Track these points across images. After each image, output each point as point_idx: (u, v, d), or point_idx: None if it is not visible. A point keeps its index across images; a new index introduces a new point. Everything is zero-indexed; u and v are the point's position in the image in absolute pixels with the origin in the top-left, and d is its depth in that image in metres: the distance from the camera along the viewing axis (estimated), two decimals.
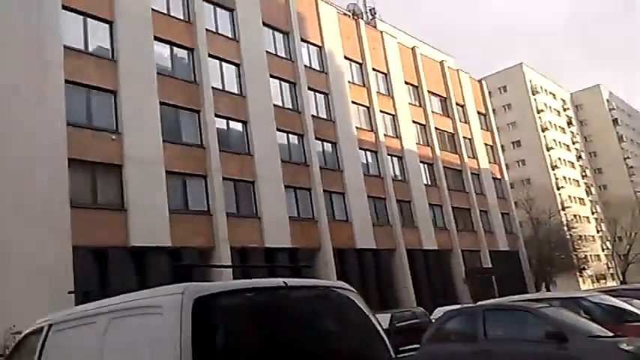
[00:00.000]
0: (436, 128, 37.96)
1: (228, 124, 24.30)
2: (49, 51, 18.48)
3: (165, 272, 19.44)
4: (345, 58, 32.21)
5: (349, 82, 31.98)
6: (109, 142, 19.31)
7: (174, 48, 23.15)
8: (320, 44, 30.72)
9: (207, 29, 24.20)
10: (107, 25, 20.64)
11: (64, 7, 19.27)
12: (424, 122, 37.36)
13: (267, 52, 26.97)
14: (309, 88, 28.82)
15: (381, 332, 3.90)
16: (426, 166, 36.07)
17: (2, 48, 18.21)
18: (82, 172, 18.65)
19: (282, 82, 27.72)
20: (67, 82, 18.46)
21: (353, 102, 31.62)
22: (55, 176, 17.68)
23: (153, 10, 22.16)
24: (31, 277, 18.16)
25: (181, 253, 20.39)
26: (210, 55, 23.93)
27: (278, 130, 26.07)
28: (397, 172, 33.47)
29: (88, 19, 20.15)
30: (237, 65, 25.35)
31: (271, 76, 26.75)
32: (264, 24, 27.34)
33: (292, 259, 24.17)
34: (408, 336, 15.13)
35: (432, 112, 38.36)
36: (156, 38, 21.95)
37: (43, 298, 17.06)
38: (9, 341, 15.83)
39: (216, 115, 23.28)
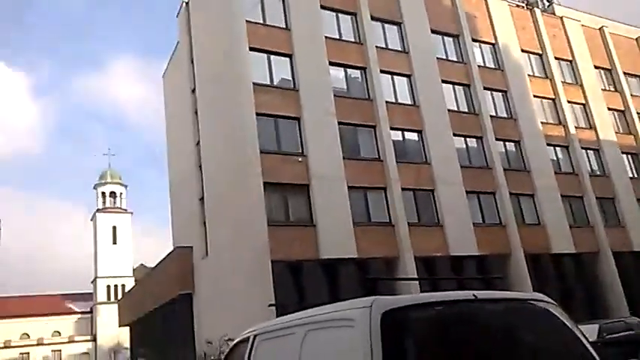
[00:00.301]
0: (639, 114, 33.42)
1: (403, 135, 24.61)
2: (242, 89, 20.95)
3: (355, 282, 20.46)
4: (523, 51, 30.25)
5: (529, 75, 29.95)
6: (296, 164, 21.03)
7: (348, 69, 24.31)
8: (493, 41, 29.40)
9: (377, 46, 24.93)
10: (287, 59, 22.59)
11: (251, 49, 21.66)
12: (622, 108, 33.14)
13: (437, 58, 26.74)
14: (485, 88, 27.73)
15: (588, 346, 3.64)
16: (629, 157, 31.92)
17: (210, 95, 21.08)
18: (275, 193, 20.63)
19: (456, 86, 27.15)
20: (257, 114, 20.67)
21: (535, 96, 29.50)
22: (253, 198, 19.83)
23: (326, 37, 23.62)
24: (240, 290, 20.57)
25: (368, 263, 21.23)
26: (381, 71, 24.59)
27: (455, 134, 25.57)
28: (595, 167, 30.24)
29: (271, 55, 22.32)
30: (408, 76, 25.60)
31: (443, 81, 26.40)
32: (433, 31, 27.16)
33: (480, 267, 23.43)
34: (621, 349, 13.58)
35: (632, 95, 33.84)
36: (330, 63, 23.31)
37: (249, 309, 19.19)
38: (223, 347, 18.11)
39: (392, 128, 23.78)
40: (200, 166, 26.32)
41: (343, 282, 20.46)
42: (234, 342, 5.80)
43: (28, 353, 68.76)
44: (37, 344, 69.90)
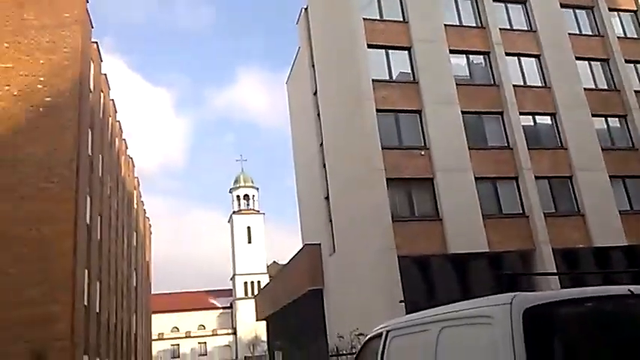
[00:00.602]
0: None
1: (534, 119, 23.06)
2: (362, 86, 21.04)
3: (486, 277, 19.56)
4: None
5: None
6: (419, 158, 20.62)
7: (470, 56, 23.35)
8: (634, 8, 26.43)
9: (500, 28, 23.64)
10: (406, 52, 22.25)
11: (369, 46, 21.65)
12: None
13: (569, 34, 24.65)
14: (627, 61, 24.98)
15: None
16: None
17: (330, 97, 21.45)
18: (399, 189, 20.41)
19: (592, 62, 24.80)
20: (378, 110, 20.62)
21: None
22: (377, 195, 19.81)
23: (445, 25, 22.89)
24: (367, 286, 20.67)
25: (500, 257, 20.19)
26: (507, 54, 23.29)
27: (593, 115, 23.36)
28: None
29: (389, 50, 22.13)
30: (536, 57, 23.94)
31: (577, 58, 24.25)
32: (562, 5, 25.10)
33: (630, 259, 21.11)
34: None
35: None
36: (451, 51, 22.55)
37: (377, 305, 19.20)
38: (354, 341, 18.30)
39: (521, 113, 22.39)
40: (324, 166, 26.92)
41: (474, 277, 19.68)
42: (367, 338, 5.85)
43: (178, 345, 75.65)
44: (186, 337, 76.63)
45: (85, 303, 20.64)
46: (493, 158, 21.53)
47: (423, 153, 20.69)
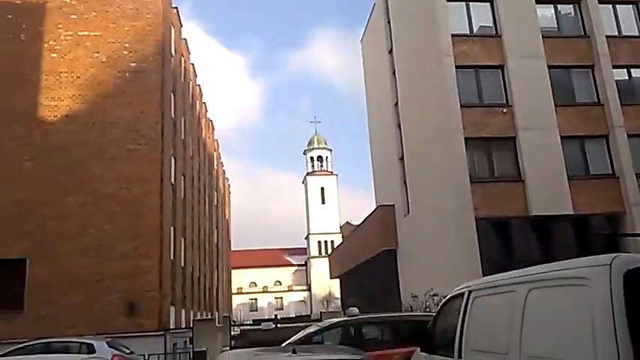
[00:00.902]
0: None
1: (629, 73, 21.32)
2: (440, 42, 20.29)
3: (570, 241, 18.76)
4: None
5: None
6: (500, 116, 19.78)
7: (558, 5, 21.78)
8: None
9: None
10: (488, 4, 21.10)
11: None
12: None
13: None
14: None
15: None
16: None
17: (407, 54, 20.80)
18: (478, 149, 19.75)
19: None
20: (457, 67, 19.87)
21: None
22: (455, 155, 19.32)
23: None
24: (442, 247, 20.46)
25: (586, 220, 19.23)
26: (600, 1, 21.50)
27: None
28: None
29: (470, 2, 21.07)
30: (634, 3, 21.94)
31: None
32: None
33: None
34: None
35: None
36: (537, 1, 21.16)
37: (454, 267, 19.00)
38: (428, 302, 18.30)
39: (614, 67, 20.77)
40: (399, 126, 26.52)
41: (556, 240, 18.93)
42: (447, 297, 5.85)
43: (256, 299, 79.25)
44: (263, 292, 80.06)
45: (172, 257, 21.96)
46: (581, 115, 20.25)
47: (505, 110, 19.82)
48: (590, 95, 20.77)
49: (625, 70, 21.19)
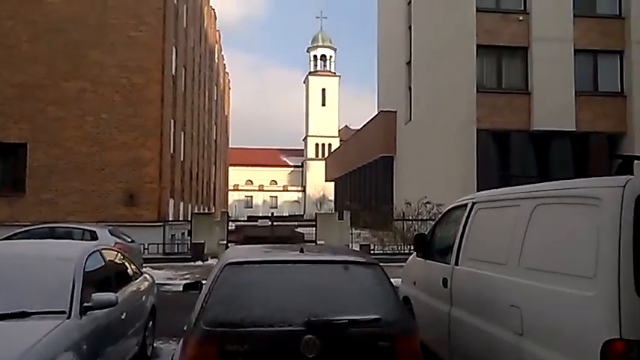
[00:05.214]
0: None
1: None
2: None
3: (568, 157, 18.82)
4: None
5: None
6: (516, 24, 19.01)
7: None
8: None
9: None
10: None
11: None
12: None
13: None
14: None
15: None
16: None
17: None
18: (488, 57, 19.21)
19: None
20: None
21: None
22: (464, 62, 18.79)
23: None
24: (441, 157, 20.52)
25: (586, 137, 19.19)
26: None
27: None
28: None
29: None
30: None
31: None
32: None
33: None
34: None
35: None
36: None
37: (450, 176, 19.18)
38: (421, 209, 18.72)
39: None
40: (410, 27, 25.51)
41: (555, 157, 18.97)
42: (449, 207, 5.90)
43: (252, 197, 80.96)
44: (259, 190, 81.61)
45: (172, 151, 21.97)
46: (599, 28, 19.47)
47: (521, 18, 19.00)
48: (613, 7, 19.84)
49: None
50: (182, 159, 25.28)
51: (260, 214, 52.29)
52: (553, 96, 18.77)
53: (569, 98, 18.91)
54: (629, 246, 2.90)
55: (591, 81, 19.70)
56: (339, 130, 78.27)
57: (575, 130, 19.00)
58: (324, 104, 79.96)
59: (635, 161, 3.87)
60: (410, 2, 25.49)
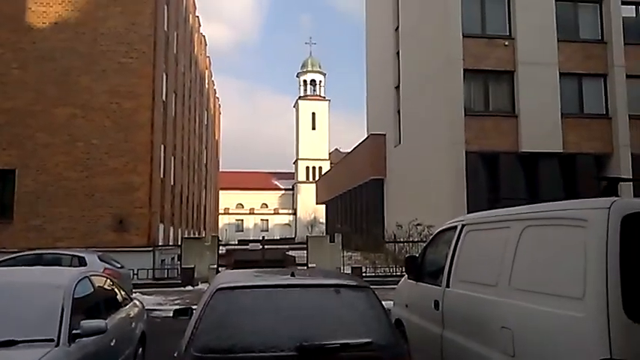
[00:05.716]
0: None
1: (637, 10, 20.75)
2: None
3: (556, 179, 19.02)
4: None
5: None
6: (502, 49, 19.38)
7: None
8: None
9: None
10: None
11: None
12: None
13: None
14: None
15: None
16: None
17: None
18: (475, 81, 19.51)
19: None
20: None
21: None
22: (452, 86, 19.06)
23: None
24: (431, 179, 20.63)
25: (573, 159, 19.44)
26: None
27: None
28: None
29: None
30: None
31: None
32: None
33: None
34: None
35: None
36: None
37: (440, 198, 19.25)
38: (412, 231, 18.77)
39: (623, 2, 20.18)
40: (398, 53, 25.90)
41: (543, 178, 19.18)
42: (439, 229, 5.89)
43: (243, 220, 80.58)
44: (250, 213, 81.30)
45: (162, 175, 21.92)
46: (583, 53, 19.91)
47: (507, 43, 19.39)
48: (594, 32, 20.31)
49: (633, 6, 20.63)
50: (172, 183, 25.21)
51: (251, 238, 52.08)
52: (540, 118, 19.06)
53: (556, 120, 19.21)
54: (616, 266, 2.93)
55: (577, 103, 20.04)
56: (329, 153, 78.61)
57: (562, 151, 19.26)
58: (314, 128, 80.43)
59: (620, 183, 3.93)
60: (397, 28, 25.94)
